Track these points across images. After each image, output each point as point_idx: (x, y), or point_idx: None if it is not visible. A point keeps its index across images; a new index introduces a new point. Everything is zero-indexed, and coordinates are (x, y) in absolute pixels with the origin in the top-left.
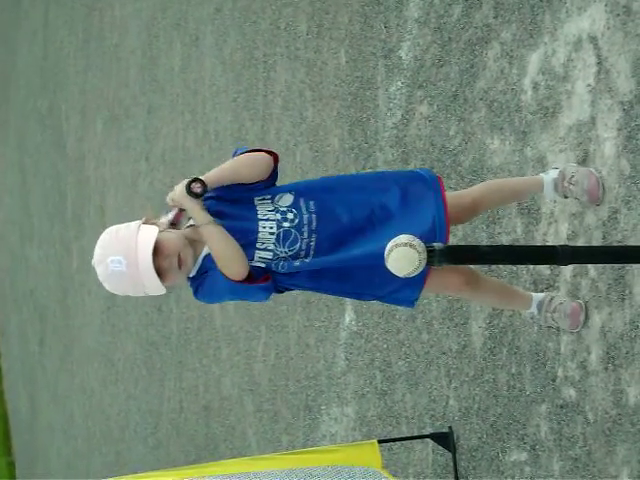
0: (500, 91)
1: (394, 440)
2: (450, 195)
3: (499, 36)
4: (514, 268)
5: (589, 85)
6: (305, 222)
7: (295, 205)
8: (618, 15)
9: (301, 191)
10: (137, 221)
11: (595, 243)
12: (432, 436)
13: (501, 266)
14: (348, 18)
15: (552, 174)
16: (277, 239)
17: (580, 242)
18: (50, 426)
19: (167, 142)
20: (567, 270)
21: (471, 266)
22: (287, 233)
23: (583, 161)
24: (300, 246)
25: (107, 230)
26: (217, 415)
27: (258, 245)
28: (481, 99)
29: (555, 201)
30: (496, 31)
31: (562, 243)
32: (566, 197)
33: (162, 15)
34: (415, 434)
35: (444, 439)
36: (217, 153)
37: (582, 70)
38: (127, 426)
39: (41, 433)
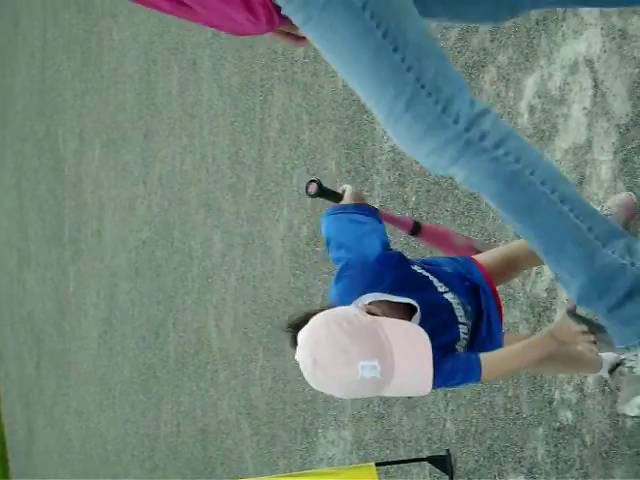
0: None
1: (391, 463)
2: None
3: (495, 60)
4: (510, 290)
5: (585, 108)
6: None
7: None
8: (614, 38)
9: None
10: (357, 311)
11: None
12: (429, 459)
13: (498, 289)
14: None
15: None
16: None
17: None
18: (47, 449)
19: (164, 166)
20: (563, 293)
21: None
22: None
23: (579, 184)
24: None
25: (325, 322)
26: (214, 438)
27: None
28: None
29: None
30: (492, 55)
31: None
32: None
33: (160, 39)
34: (412, 457)
35: (441, 462)
36: (214, 176)
37: (578, 93)
38: (124, 450)
39: (38, 457)
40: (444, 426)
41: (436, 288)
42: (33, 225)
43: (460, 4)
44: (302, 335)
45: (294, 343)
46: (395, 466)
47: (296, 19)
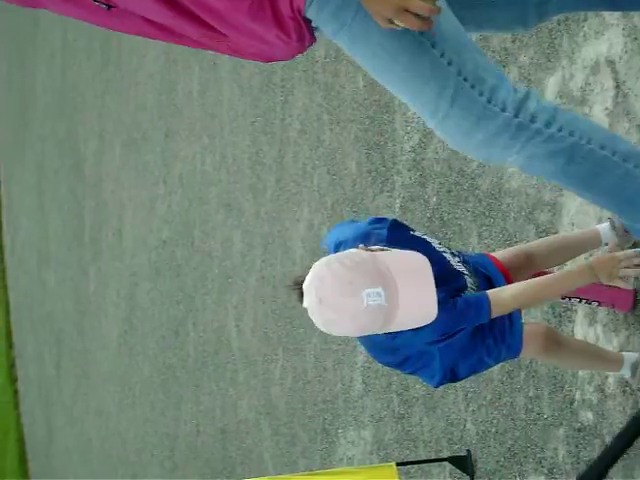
0: None
1: (412, 463)
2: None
3: (517, 60)
4: None
5: (607, 109)
6: None
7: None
8: (636, 39)
9: None
10: (356, 250)
11: None
12: (450, 459)
13: None
14: None
15: (604, 223)
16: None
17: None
18: (66, 449)
19: (185, 166)
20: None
21: (550, 327)
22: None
23: None
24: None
25: (326, 263)
26: (234, 438)
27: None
28: None
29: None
30: (514, 55)
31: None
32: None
33: None
34: (433, 457)
35: (462, 462)
36: (234, 177)
37: (600, 94)
38: (144, 449)
39: (57, 457)
40: (464, 426)
41: (434, 248)
42: (53, 225)
43: (489, 10)
44: (307, 281)
45: (301, 298)
46: (415, 466)
47: (329, 28)
